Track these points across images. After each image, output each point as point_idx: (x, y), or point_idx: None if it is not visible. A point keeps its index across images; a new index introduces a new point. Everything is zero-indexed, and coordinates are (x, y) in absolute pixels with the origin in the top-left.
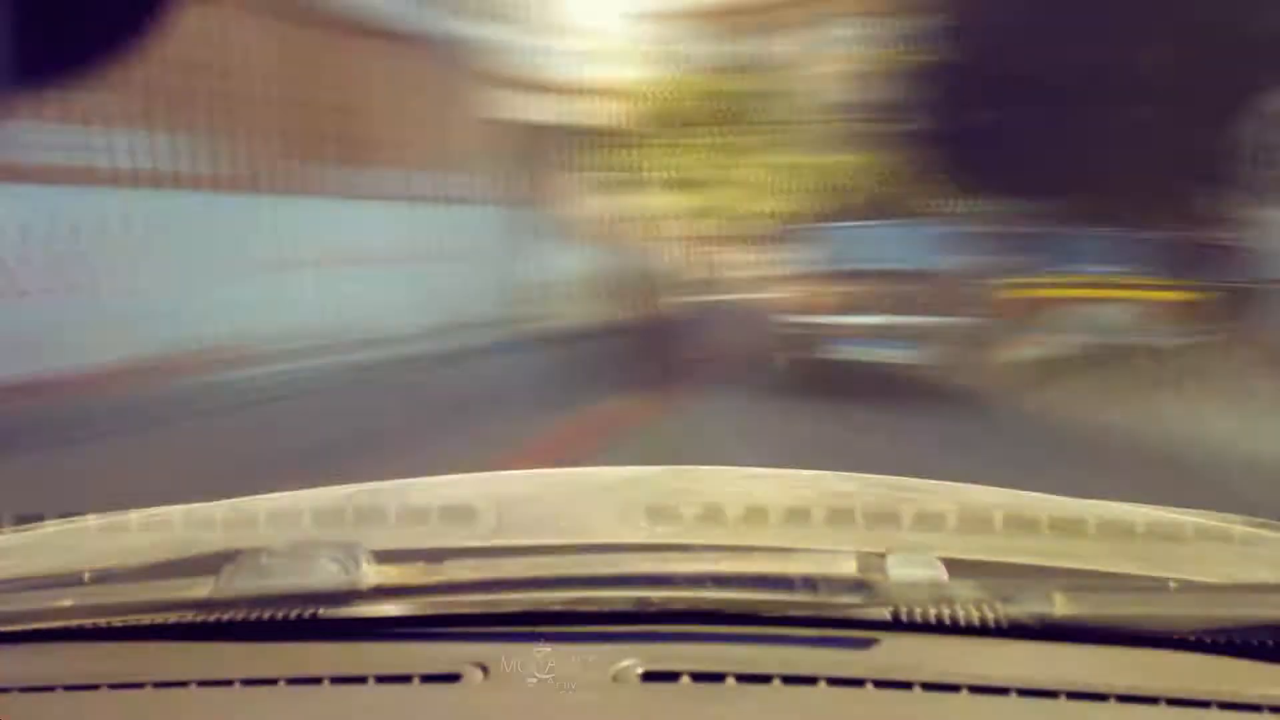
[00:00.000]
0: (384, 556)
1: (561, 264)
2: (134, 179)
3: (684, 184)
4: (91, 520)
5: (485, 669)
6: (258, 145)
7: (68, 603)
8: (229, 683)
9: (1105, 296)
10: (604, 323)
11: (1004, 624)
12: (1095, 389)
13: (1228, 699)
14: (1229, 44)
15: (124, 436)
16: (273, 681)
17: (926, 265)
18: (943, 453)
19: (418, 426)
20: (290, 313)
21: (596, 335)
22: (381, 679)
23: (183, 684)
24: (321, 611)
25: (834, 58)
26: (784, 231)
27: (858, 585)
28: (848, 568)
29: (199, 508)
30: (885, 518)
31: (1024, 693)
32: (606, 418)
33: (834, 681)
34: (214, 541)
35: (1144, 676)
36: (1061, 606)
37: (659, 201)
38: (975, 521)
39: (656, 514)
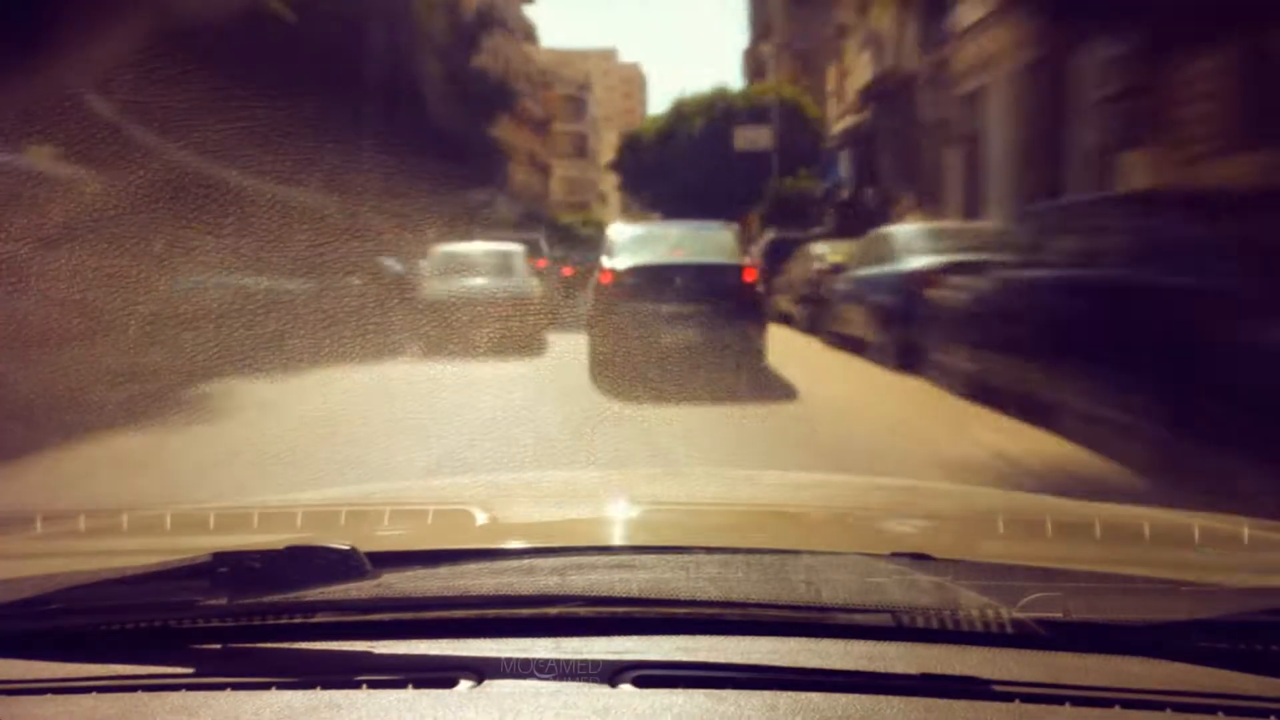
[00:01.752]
0: (378, 560)
1: None
2: None
3: None
4: (82, 522)
5: (481, 674)
6: None
7: (59, 606)
8: (221, 687)
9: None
10: None
11: (1008, 628)
12: None
13: (1235, 705)
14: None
15: None
16: (266, 686)
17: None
18: None
19: None
20: None
21: None
22: (375, 684)
23: (174, 688)
24: (315, 616)
25: None
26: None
27: (858, 588)
28: (848, 570)
29: (191, 509)
30: (887, 520)
31: (1027, 699)
32: None
33: (834, 687)
34: (206, 544)
35: (1150, 682)
36: (1067, 611)
37: None
38: (978, 524)
39: (655, 516)
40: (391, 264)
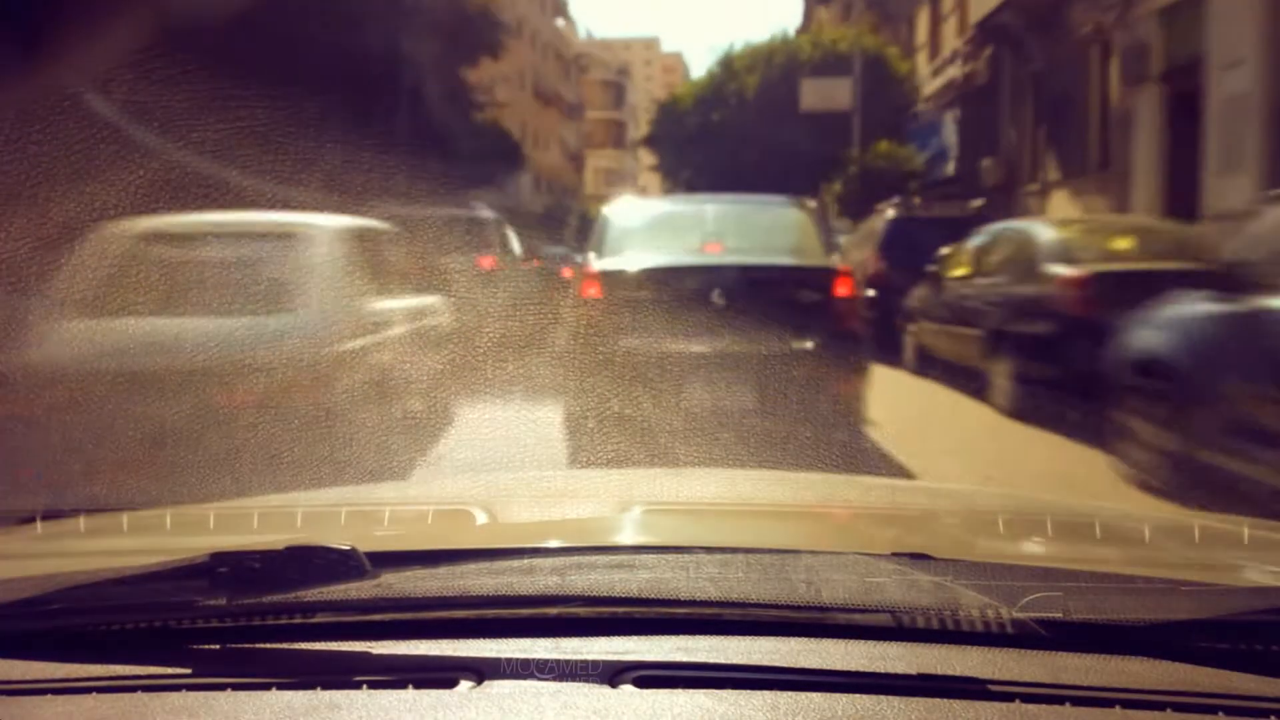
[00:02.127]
0: (378, 560)
1: None
2: None
3: None
4: (82, 522)
5: (481, 674)
6: None
7: (59, 606)
8: (221, 687)
9: None
10: None
11: (1008, 628)
12: None
13: (1235, 705)
14: None
15: None
16: (266, 686)
17: None
18: None
19: None
20: None
21: None
22: (375, 684)
23: (174, 688)
24: (315, 616)
25: None
26: None
27: (858, 588)
28: (848, 570)
29: (191, 509)
30: (887, 520)
31: (1028, 699)
32: None
33: (834, 687)
34: (206, 544)
35: (1150, 682)
36: (1067, 611)
37: None
38: (979, 524)
39: (655, 516)
40: None
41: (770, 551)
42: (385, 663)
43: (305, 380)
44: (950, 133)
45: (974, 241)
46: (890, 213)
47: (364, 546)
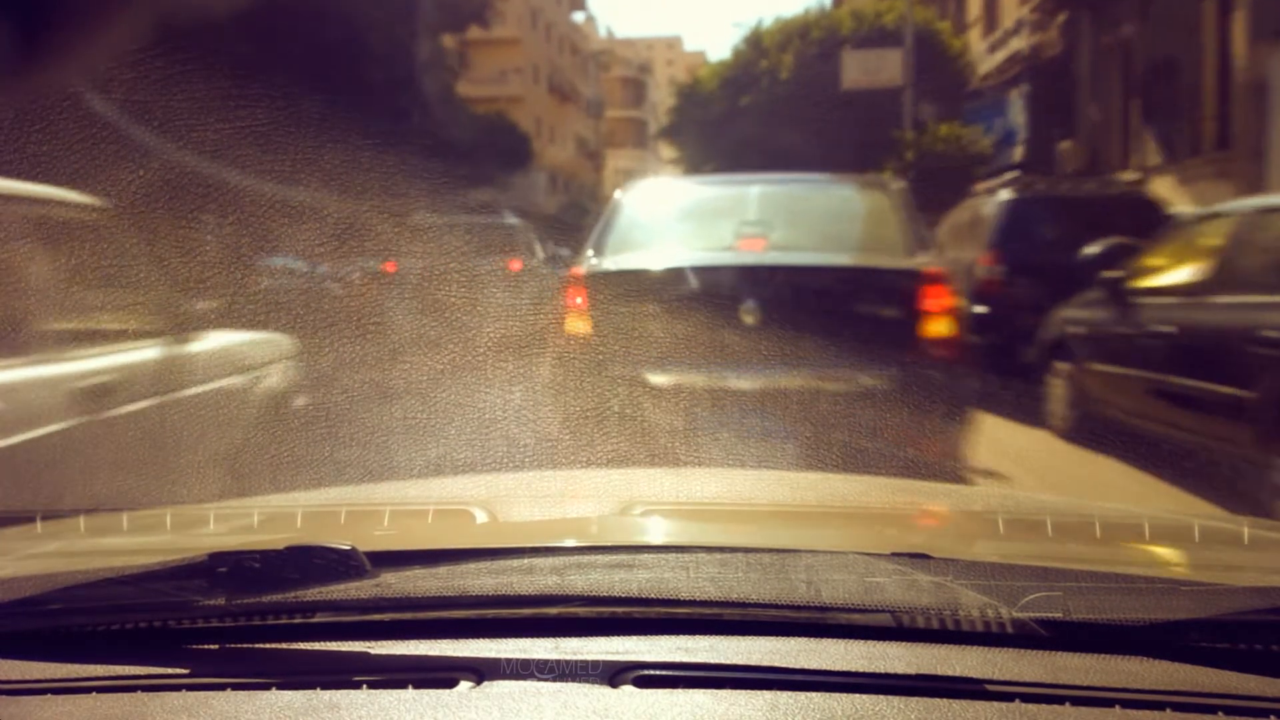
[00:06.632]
0: (378, 559)
1: None
2: None
3: None
4: (82, 522)
5: (481, 674)
6: None
7: (59, 606)
8: (221, 687)
9: None
10: None
11: (1008, 628)
12: None
13: (1235, 705)
14: None
15: None
16: (265, 686)
17: None
18: None
19: None
20: None
21: None
22: (375, 684)
23: (174, 688)
24: (315, 616)
25: None
26: None
27: (858, 588)
28: (848, 570)
29: (191, 509)
30: (887, 520)
31: (1027, 699)
32: None
33: (834, 687)
34: (206, 544)
35: (1150, 682)
36: (1067, 611)
37: None
38: (978, 524)
39: (655, 516)
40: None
41: (770, 551)
42: (385, 663)
43: None
44: (1017, 112)
45: (1195, 232)
46: (1006, 193)
47: (364, 546)
